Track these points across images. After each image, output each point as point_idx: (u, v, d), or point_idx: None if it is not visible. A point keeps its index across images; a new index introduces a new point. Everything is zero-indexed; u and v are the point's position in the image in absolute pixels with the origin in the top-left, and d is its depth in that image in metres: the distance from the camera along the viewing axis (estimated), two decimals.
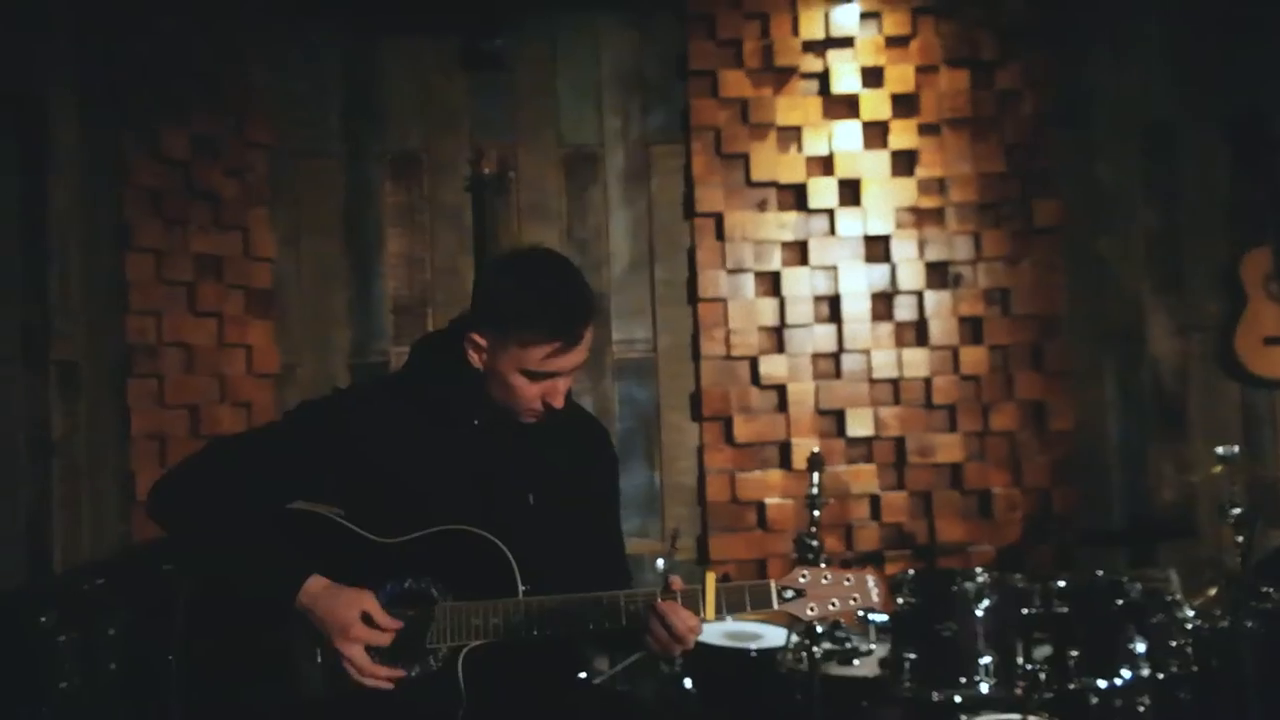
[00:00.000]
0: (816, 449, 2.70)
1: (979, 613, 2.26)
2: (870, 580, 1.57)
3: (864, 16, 3.90)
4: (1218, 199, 3.96)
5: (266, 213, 3.79)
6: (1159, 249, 3.97)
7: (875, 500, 3.83)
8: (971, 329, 3.88)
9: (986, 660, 2.24)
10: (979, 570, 2.37)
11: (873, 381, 3.86)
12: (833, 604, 1.55)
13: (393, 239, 3.91)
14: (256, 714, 1.63)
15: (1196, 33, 3.97)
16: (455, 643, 1.57)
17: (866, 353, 3.85)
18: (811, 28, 3.89)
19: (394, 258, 3.91)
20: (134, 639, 2.17)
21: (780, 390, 3.85)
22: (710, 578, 1.54)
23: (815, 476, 2.49)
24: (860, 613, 1.58)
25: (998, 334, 3.87)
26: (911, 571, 2.45)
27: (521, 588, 1.59)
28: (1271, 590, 2.38)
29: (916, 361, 3.85)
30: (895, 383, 3.86)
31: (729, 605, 1.55)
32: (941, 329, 3.86)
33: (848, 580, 1.57)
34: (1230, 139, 3.96)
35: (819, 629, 2.33)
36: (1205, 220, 3.96)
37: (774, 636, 2.54)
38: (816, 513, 2.45)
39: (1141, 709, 2.36)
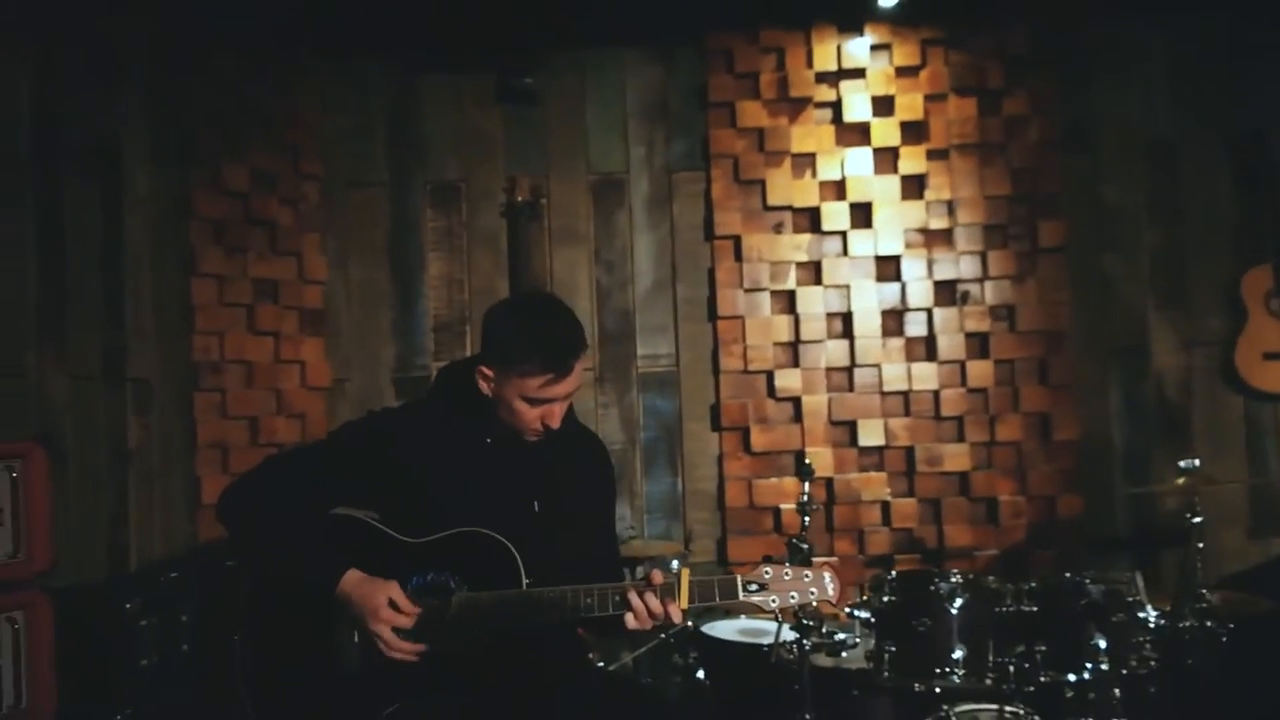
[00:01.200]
0: (808, 460, 2.91)
1: (953, 610, 2.48)
2: (826, 576, 1.82)
3: (875, 48, 4.11)
4: (1221, 218, 4.09)
5: (318, 239, 4.09)
6: (1163, 266, 4.12)
7: (886, 506, 4.03)
8: (979, 344, 4.06)
9: (958, 654, 2.45)
10: (954, 572, 2.58)
11: (883, 394, 4.05)
12: (792, 596, 1.80)
13: (433, 262, 4.21)
14: (305, 685, 1.93)
15: (1199, 57, 4.11)
16: (469, 626, 1.85)
17: (877, 367, 4.05)
18: (825, 60, 4.10)
19: (435, 280, 4.21)
20: (203, 623, 2.49)
21: (795, 402, 4.07)
22: (685, 573, 1.80)
23: (806, 485, 2.72)
24: (818, 602, 1.81)
25: (1004, 349, 4.04)
26: (894, 572, 2.67)
27: (525, 580, 1.86)
28: (1206, 593, 2.56)
29: (925, 375, 4.05)
30: (905, 395, 4.05)
31: (700, 596, 1.81)
32: (949, 344, 4.05)
33: (806, 576, 1.82)
34: (1232, 160, 4.09)
35: (808, 623, 2.56)
36: (1208, 238, 4.10)
37: (783, 635, 2.77)
38: (807, 518, 2.68)
39: (1113, 702, 2.56)
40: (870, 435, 4.04)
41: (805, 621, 2.55)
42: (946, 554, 3.97)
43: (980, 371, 4.04)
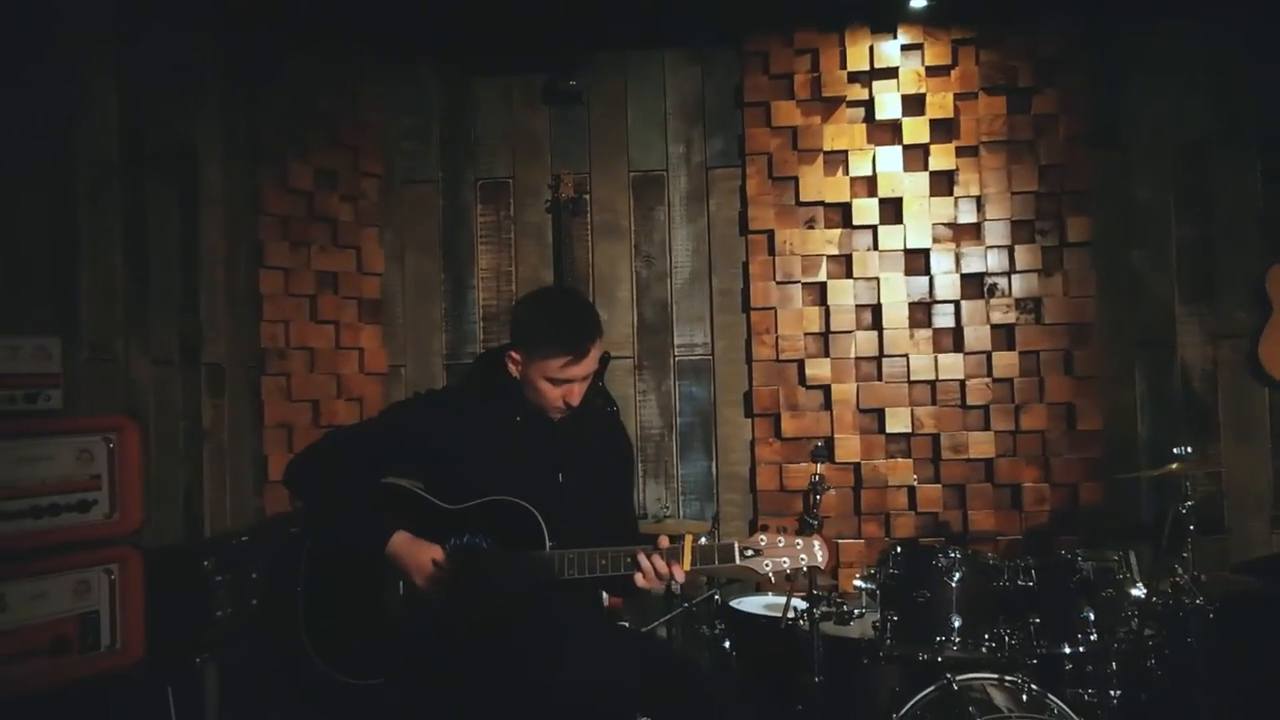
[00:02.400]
0: (820, 443, 3.09)
1: (952, 583, 2.65)
2: (816, 544, 2.02)
3: (907, 49, 4.25)
4: (1248, 214, 4.16)
5: (376, 233, 4.35)
6: (1191, 261, 4.20)
7: (912, 491, 4.18)
8: (1005, 336, 4.19)
9: (956, 623, 2.63)
10: (954, 548, 2.75)
11: (911, 383, 4.20)
12: (784, 561, 2.00)
13: (483, 255, 4.46)
14: (357, 629, 2.19)
15: (1232, 56, 4.17)
16: (499, 583, 2.09)
17: (905, 357, 4.20)
18: (858, 60, 4.25)
19: (484, 271, 4.46)
20: (271, 580, 2.77)
21: (825, 390, 4.24)
22: (688, 538, 2.02)
23: (819, 466, 2.90)
24: (808, 568, 2.00)
25: (1030, 340, 4.17)
26: (898, 548, 2.84)
27: (549, 544, 2.09)
28: (1179, 568, 2.70)
29: (952, 365, 4.18)
30: (932, 384, 4.20)
31: (702, 559, 2.02)
32: (976, 336, 4.18)
33: (798, 544, 2.02)
34: (1263, 158, 4.15)
35: (817, 593, 2.76)
36: (1236, 234, 4.17)
37: (794, 604, 2.97)
38: (818, 496, 2.86)
39: (1109, 672, 2.72)
40: (897, 423, 4.20)
41: (815, 591, 2.74)
42: (970, 538, 4.11)
43: (1006, 362, 4.17)
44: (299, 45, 4.07)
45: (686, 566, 2.00)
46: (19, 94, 2.81)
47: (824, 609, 2.80)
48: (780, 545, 2.00)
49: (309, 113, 4.15)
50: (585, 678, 2.16)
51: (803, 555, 2.00)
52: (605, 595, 3.18)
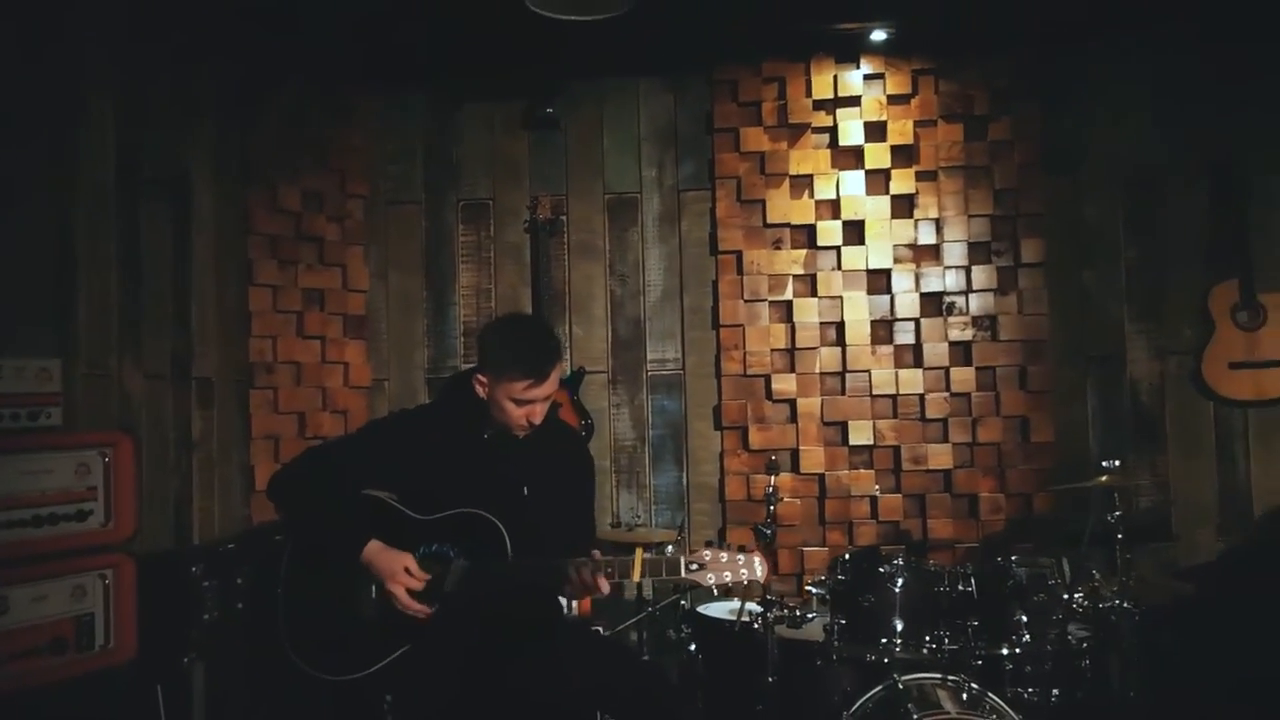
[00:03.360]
0: (773, 457, 3.27)
1: (895, 589, 2.84)
2: (756, 560, 2.20)
3: (869, 78, 4.45)
4: (1195, 236, 4.35)
5: (361, 252, 4.51)
6: (1139, 281, 4.40)
7: (874, 501, 4.36)
8: (962, 352, 4.38)
9: (899, 626, 2.82)
10: (898, 556, 2.94)
11: (873, 397, 4.39)
12: (726, 575, 2.18)
13: (464, 273, 4.64)
14: (331, 629, 2.36)
15: (1181, 85, 4.35)
16: (465, 589, 2.27)
17: (867, 372, 4.39)
18: (822, 89, 4.44)
19: (465, 289, 4.63)
20: (255, 585, 2.94)
21: (791, 404, 4.42)
22: (638, 551, 2.20)
23: (773, 479, 3.08)
24: (748, 581, 2.18)
25: (986, 357, 4.36)
26: (847, 555, 3.03)
27: (511, 553, 2.27)
28: (1096, 572, 2.89)
29: (912, 380, 4.37)
30: (893, 398, 4.38)
31: (650, 571, 2.20)
32: (934, 352, 4.37)
33: (740, 559, 2.20)
34: (1210, 182, 4.35)
35: (771, 599, 2.94)
36: (1182, 255, 4.36)
37: (748, 608, 3.15)
38: (772, 507, 3.04)
39: (1045, 671, 2.91)
40: (860, 435, 4.38)
41: (768, 597, 2.92)
42: (930, 546, 4.30)
43: (964, 377, 4.36)
44: (290, 73, 4.24)
45: (636, 578, 2.17)
46: (22, 123, 2.98)
47: (777, 613, 2.98)
48: (723, 560, 2.18)
49: (298, 137, 4.31)
50: (545, 678, 2.34)
51: (743, 570, 2.18)
52: (574, 602, 3.38)
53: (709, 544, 2.22)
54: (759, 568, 2.18)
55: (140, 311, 3.50)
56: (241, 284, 4.14)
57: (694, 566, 2.18)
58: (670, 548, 2.27)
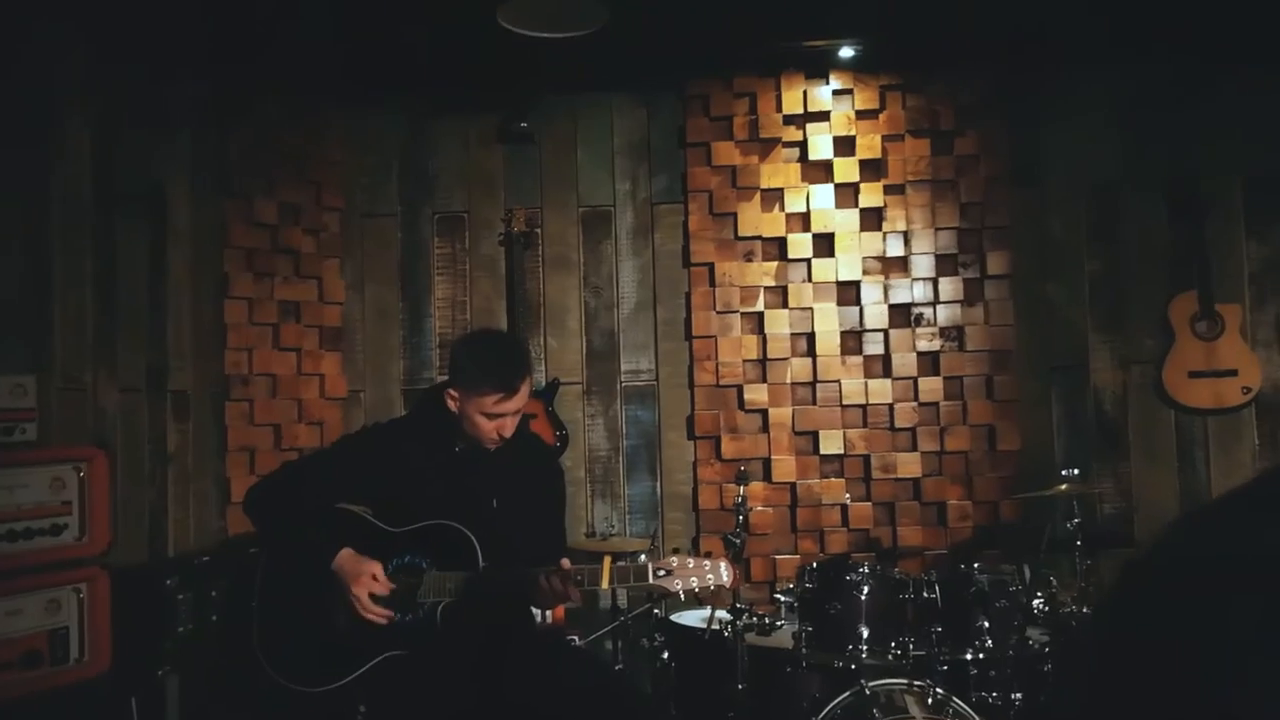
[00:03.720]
0: (743, 469, 3.34)
1: (861, 596, 2.90)
2: (722, 565, 2.25)
3: (838, 93, 4.53)
4: (1155, 249, 4.46)
5: (337, 264, 4.55)
6: (1101, 292, 4.50)
7: (845, 509, 4.43)
8: (930, 362, 4.46)
9: (865, 633, 2.88)
10: (864, 564, 3.00)
11: (843, 407, 4.46)
12: (693, 580, 2.24)
13: (439, 285, 4.68)
14: (304, 640, 2.40)
15: (1140, 103, 4.46)
16: (435, 599, 2.32)
17: (838, 382, 4.46)
18: (792, 104, 4.52)
19: (440, 301, 4.68)
20: (230, 597, 2.97)
21: (763, 414, 4.49)
22: (607, 560, 2.25)
23: (742, 489, 3.14)
24: (714, 587, 2.24)
25: (954, 367, 4.44)
26: (814, 564, 3.09)
27: (482, 563, 2.32)
28: (1053, 579, 2.97)
29: (881, 390, 4.45)
30: (863, 408, 4.46)
31: (618, 579, 2.25)
32: (903, 362, 4.45)
33: (706, 565, 2.26)
34: (1168, 196, 4.46)
35: (740, 606, 3.00)
36: (1143, 267, 4.47)
37: (718, 616, 3.21)
38: (742, 516, 3.11)
39: (1008, 675, 2.98)
40: (831, 444, 4.45)
41: (737, 605, 2.98)
42: (900, 553, 4.36)
43: (931, 387, 4.44)
44: (265, 87, 4.28)
45: (605, 585, 2.23)
46: (1, 146, 3.01)
47: (747, 621, 3.03)
48: (690, 566, 2.24)
49: (274, 151, 4.34)
50: (518, 688, 2.39)
51: (709, 575, 2.24)
52: (549, 612, 3.42)
53: (676, 551, 2.28)
54: (725, 573, 2.24)
55: (116, 325, 3.53)
56: (218, 297, 4.16)
57: (661, 573, 2.23)
58: (643, 556, 2.32)
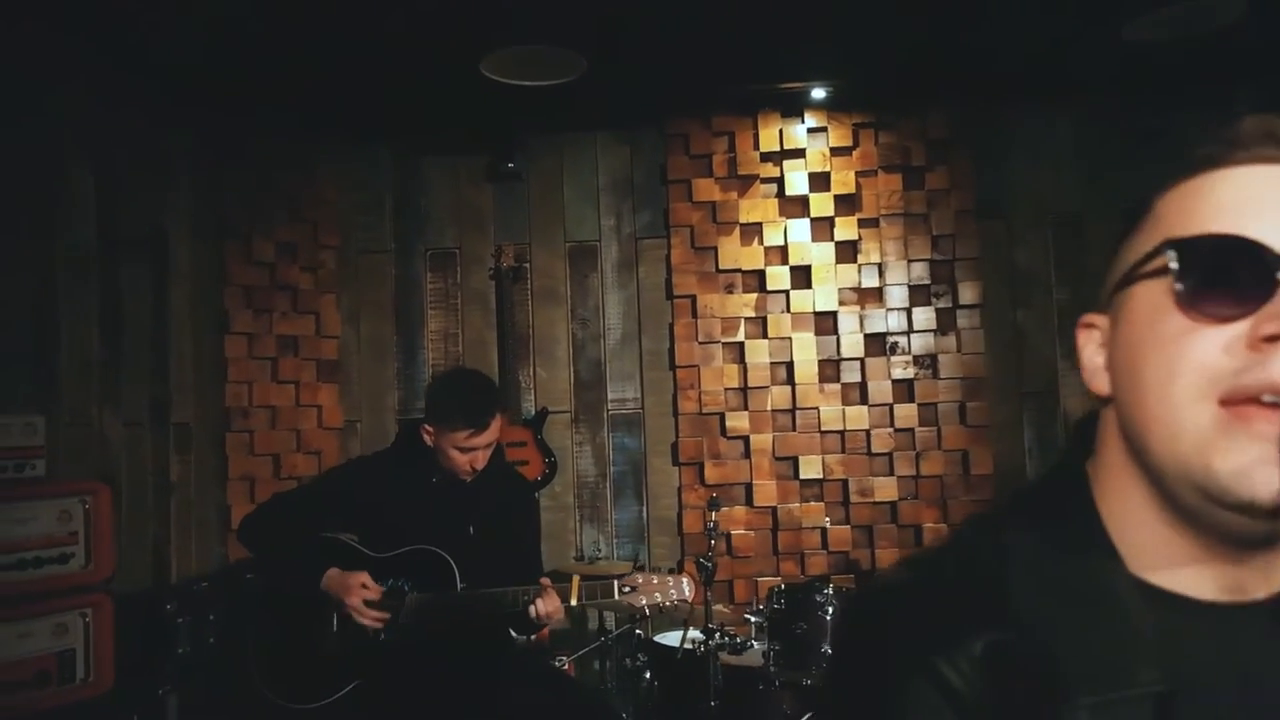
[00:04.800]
0: (715, 495, 3.49)
1: (826, 616, 3.05)
2: (684, 581, 2.41)
3: (813, 131, 4.71)
4: None
5: (334, 299, 4.73)
6: (1069, 320, 4.65)
7: (824, 533, 4.58)
8: (905, 389, 4.62)
9: (828, 651, 3.03)
10: (830, 585, 3.15)
11: (822, 433, 4.61)
12: (657, 596, 2.40)
13: (432, 319, 4.86)
14: (297, 661, 2.56)
15: (1100, 137, 4.64)
16: (417, 618, 2.48)
17: (816, 409, 4.62)
18: (769, 142, 4.70)
19: (433, 334, 4.86)
20: (227, 621, 3.14)
21: (745, 440, 4.64)
22: (575, 578, 2.41)
23: (713, 514, 3.29)
24: (677, 601, 2.39)
25: (928, 394, 4.59)
26: (782, 584, 3.24)
27: (460, 585, 2.48)
28: None
29: (858, 417, 4.60)
30: (841, 434, 4.61)
31: (587, 595, 2.41)
32: (879, 389, 4.61)
33: (670, 581, 2.42)
34: (1130, 227, 4.62)
35: (713, 627, 3.15)
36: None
37: (690, 635, 3.36)
38: (713, 541, 3.25)
39: None
40: (810, 469, 4.60)
41: (710, 625, 3.13)
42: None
43: (907, 414, 4.59)
44: (262, 132, 4.48)
45: (574, 602, 2.39)
46: (5, 190, 3.19)
47: (719, 640, 3.18)
48: (654, 582, 2.40)
49: (271, 191, 4.54)
50: (496, 705, 2.54)
51: (672, 590, 2.40)
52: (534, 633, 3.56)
53: (641, 568, 2.43)
54: (687, 588, 2.39)
55: (120, 363, 3.71)
56: (218, 333, 4.35)
57: (626, 589, 2.39)
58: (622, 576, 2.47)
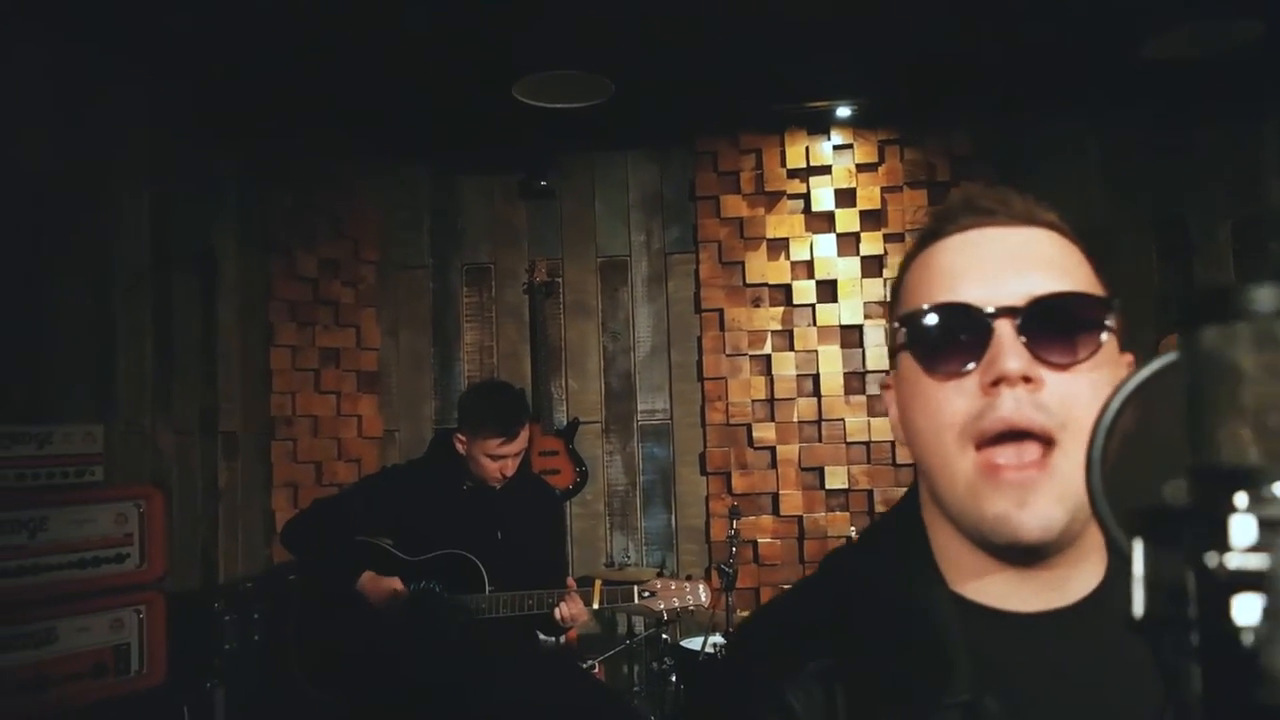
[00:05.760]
0: (735, 503, 3.60)
1: None
2: (701, 587, 2.53)
3: (839, 148, 4.81)
4: (1146, 290, 4.66)
5: (374, 313, 4.91)
6: None
7: (849, 541, 4.65)
8: None
9: None
10: None
11: (847, 444, 4.70)
12: (674, 601, 2.51)
13: (468, 332, 5.02)
14: (338, 656, 2.71)
15: (1127, 152, 4.68)
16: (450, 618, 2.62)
17: (842, 420, 4.71)
18: (796, 159, 4.81)
19: (469, 346, 5.02)
20: (272, 617, 3.30)
21: (771, 451, 4.74)
22: (598, 582, 2.53)
23: (734, 523, 3.41)
24: (694, 606, 2.51)
25: None
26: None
27: (489, 588, 2.62)
28: None
29: (883, 428, 4.67)
30: (866, 445, 4.69)
31: (608, 599, 2.53)
32: None
33: (686, 586, 2.53)
34: (1156, 240, 4.67)
35: (732, 631, 3.25)
36: (1134, 309, 4.59)
37: (712, 639, 3.46)
38: (735, 548, 3.36)
39: None
40: (836, 480, 4.68)
41: (730, 630, 3.23)
42: None
43: None
44: (306, 151, 4.67)
45: (596, 605, 2.51)
46: (63, 212, 3.40)
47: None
48: (672, 588, 2.52)
49: (315, 209, 4.72)
50: (513, 703, 2.67)
51: (689, 596, 2.51)
52: (562, 636, 3.69)
53: (661, 574, 2.55)
54: (704, 594, 2.51)
55: (172, 374, 3.90)
56: (264, 345, 4.53)
57: (646, 594, 2.51)
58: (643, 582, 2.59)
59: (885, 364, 4.70)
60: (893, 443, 4.67)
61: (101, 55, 3.50)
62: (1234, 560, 0.39)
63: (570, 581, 2.56)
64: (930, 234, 0.87)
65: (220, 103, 4.12)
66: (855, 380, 4.73)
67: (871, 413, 4.70)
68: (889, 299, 0.96)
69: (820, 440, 4.71)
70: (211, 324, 4.19)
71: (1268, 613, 0.37)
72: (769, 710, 0.81)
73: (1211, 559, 0.40)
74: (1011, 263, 0.82)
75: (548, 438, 4.67)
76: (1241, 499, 0.41)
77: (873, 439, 4.68)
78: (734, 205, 4.84)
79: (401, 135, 4.80)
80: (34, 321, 3.14)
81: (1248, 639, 0.37)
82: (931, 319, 0.81)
